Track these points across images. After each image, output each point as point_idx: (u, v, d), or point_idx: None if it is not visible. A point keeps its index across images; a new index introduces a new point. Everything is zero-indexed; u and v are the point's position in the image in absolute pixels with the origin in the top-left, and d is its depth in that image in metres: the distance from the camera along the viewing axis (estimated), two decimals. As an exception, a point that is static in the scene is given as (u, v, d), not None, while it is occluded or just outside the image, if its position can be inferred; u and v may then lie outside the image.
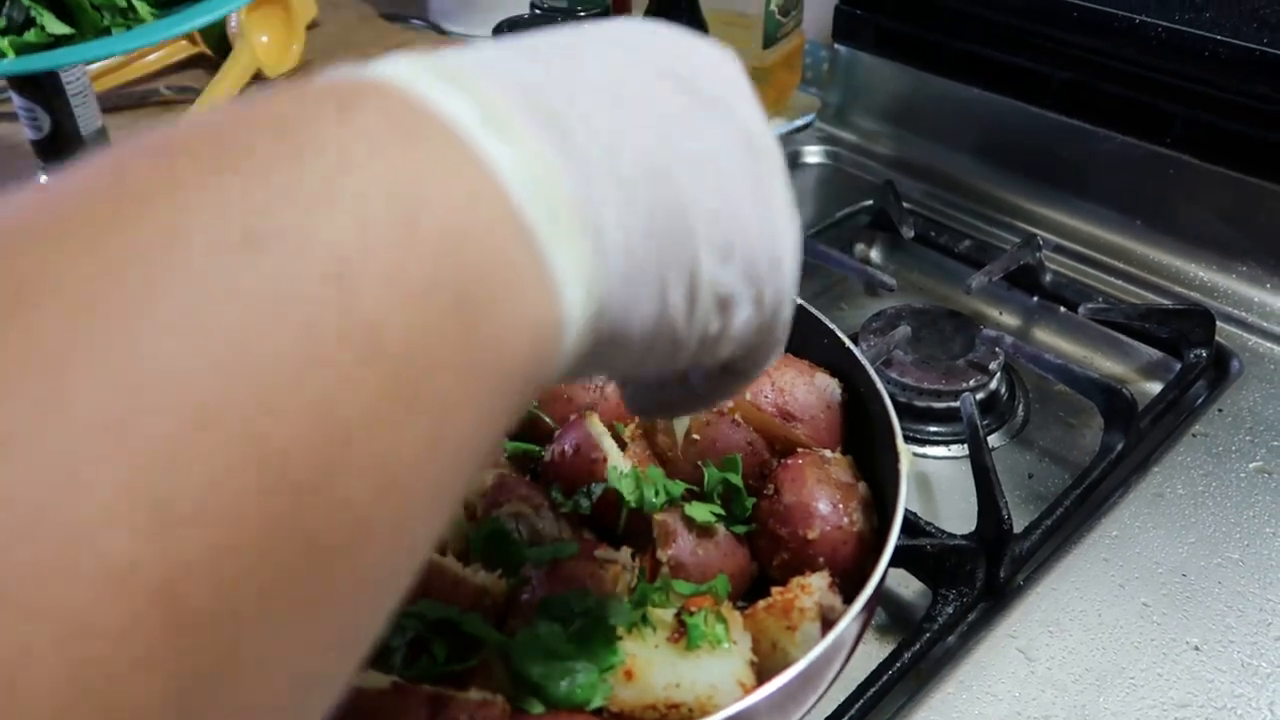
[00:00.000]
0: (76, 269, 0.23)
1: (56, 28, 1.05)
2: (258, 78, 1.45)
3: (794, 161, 1.41)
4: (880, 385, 0.70)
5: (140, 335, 0.22)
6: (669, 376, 0.48)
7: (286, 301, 0.24)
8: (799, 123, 1.47)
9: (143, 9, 1.07)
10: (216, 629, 0.22)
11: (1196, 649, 0.73)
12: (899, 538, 0.75)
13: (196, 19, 1.02)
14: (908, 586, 0.81)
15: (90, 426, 0.21)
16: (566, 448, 0.70)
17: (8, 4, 1.07)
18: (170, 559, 0.21)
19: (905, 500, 0.64)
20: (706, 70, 0.39)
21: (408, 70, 0.30)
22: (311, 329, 0.24)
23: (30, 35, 1.05)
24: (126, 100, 1.41)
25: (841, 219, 1.22)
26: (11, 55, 1.03)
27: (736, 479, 0.69)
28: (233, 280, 0.23)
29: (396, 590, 0.29)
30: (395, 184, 0.27)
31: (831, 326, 0.76)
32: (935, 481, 0.92)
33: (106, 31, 1.07)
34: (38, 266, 0.23)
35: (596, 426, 0.71)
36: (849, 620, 0.55)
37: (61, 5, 1.06)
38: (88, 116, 1.18)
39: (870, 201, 1.23)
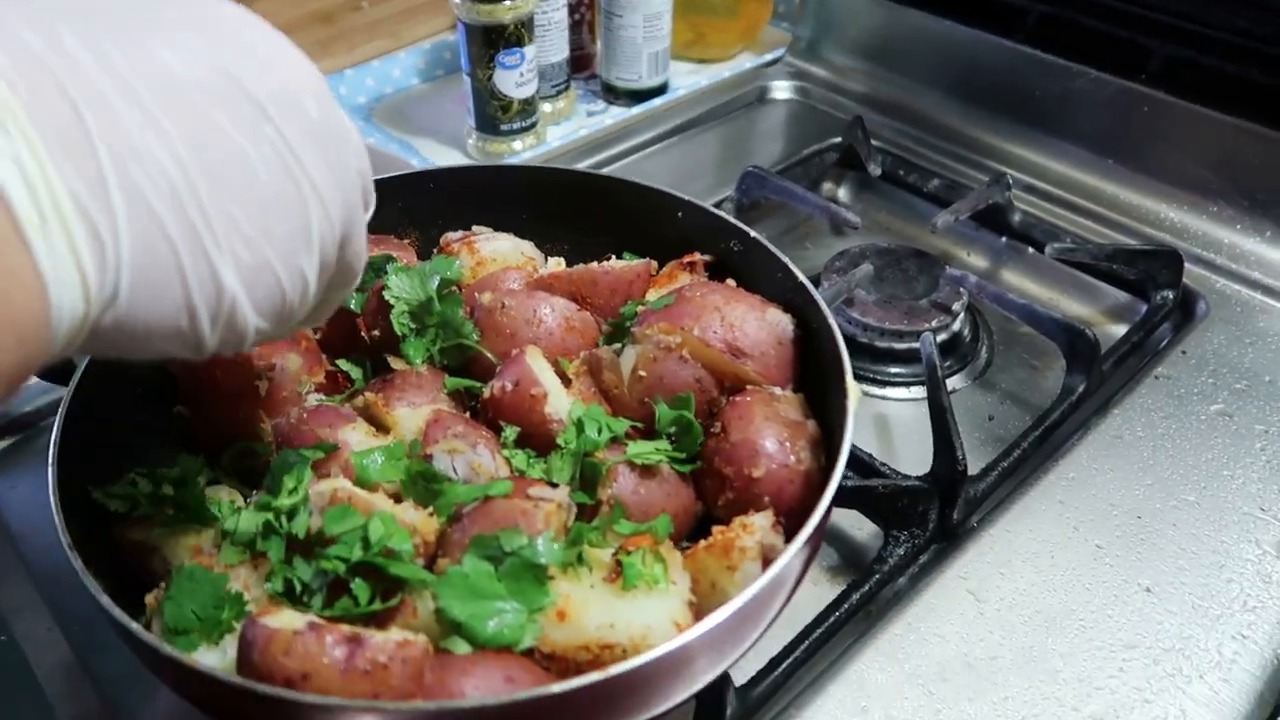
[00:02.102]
0: None
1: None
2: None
3: (762, 97, 1.37)
4: (832, 319, 0.68)
5: None
6: None
7: None
8: (768, 57, 1.42)
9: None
10: None
11: (1148, 591, 0.73)
12: (852, 477, 0.74)
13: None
14: (860, 528, 0.79)
15: None
16: (507, 383, 0.67)
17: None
18: None
19: (857, 437, 0.62)
20: (272, 77, 0.39)
21: None
22: None
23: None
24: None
25: (809, 156, 1.19)
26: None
27: (690, 415, 0.67)
28: None
29: None
30: None
31: (785, 261, 0.74)
32: (894, 424, 0.90)
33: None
34: None
35: (539, 362, 0.68)
36: (788, 557, 0.53)
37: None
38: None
39: (838, 139, 1.20)
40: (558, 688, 0.47)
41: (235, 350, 0.43)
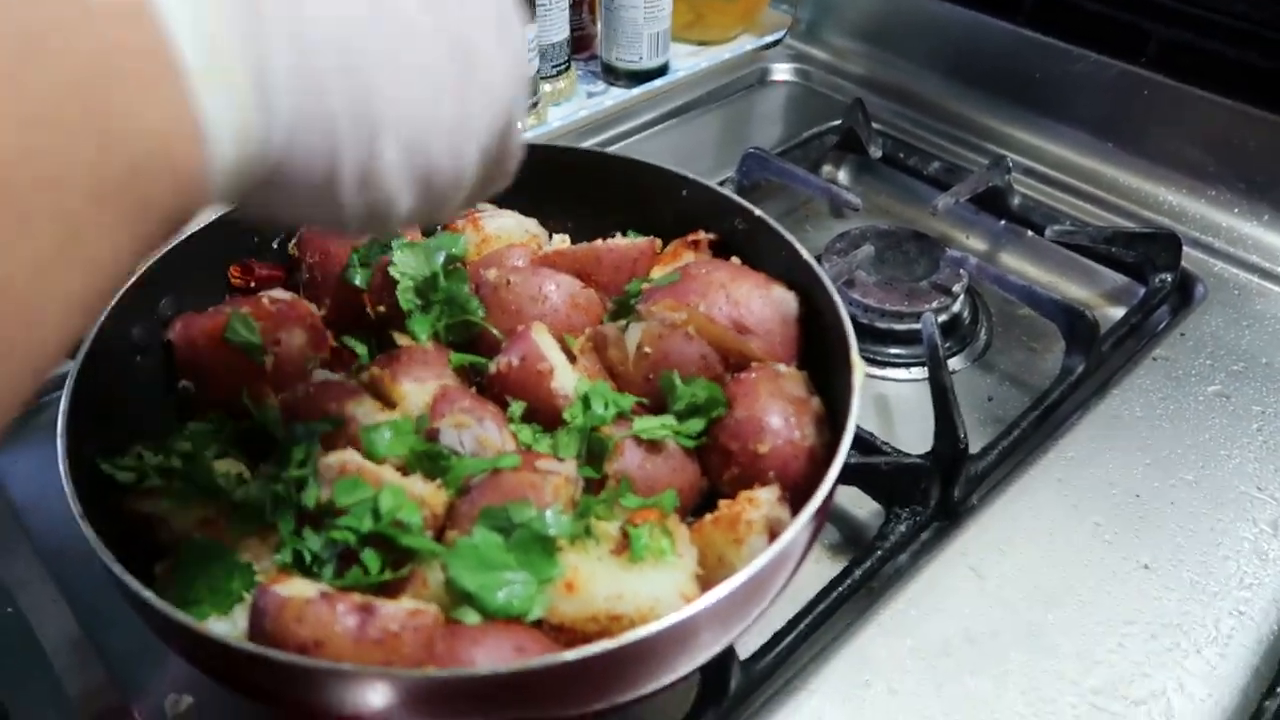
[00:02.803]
0: None
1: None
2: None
3: (762, 79, 1.36)
4: (837, 297, 0.68)
5: None
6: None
7: None
8: (768, 39, 1.42)
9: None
10: None
11: (1146, 568, 0.73)
12: (854, 455, 0.74)
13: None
14: (862, 506, 0.80)
15: None
16: (513, 359, 0.67)
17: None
18: None
19: (859, 416, 0.62)
20: None
21: None
22: None
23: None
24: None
25: (809, 139, 1.19)
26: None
27: (715, 387, 0.67)
28: None
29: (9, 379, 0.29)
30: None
31: (791, 240, 0.74)
32: (894, 404, 0.91)
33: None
34: None
35: (544, 338, 0.68)
36: (795, 531, 0.54)
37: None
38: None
39: (839, 121, 1.20)
40: (568, 655, 0.48)
41: (378, 230, 0.42)
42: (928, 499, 0.76)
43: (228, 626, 0.54)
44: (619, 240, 0.79)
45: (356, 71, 0.35)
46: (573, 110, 1.30)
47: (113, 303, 0.66)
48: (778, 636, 0.67)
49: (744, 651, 0.65)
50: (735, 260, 0.77)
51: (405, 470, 0.62)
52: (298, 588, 0.50)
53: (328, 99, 0.35)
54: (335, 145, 0.36)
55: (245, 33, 0.32)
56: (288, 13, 0.34)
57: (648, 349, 0.70)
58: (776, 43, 1.41)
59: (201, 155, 0.32)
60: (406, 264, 0.73)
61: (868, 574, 0.72)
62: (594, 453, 0.65)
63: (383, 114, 0.37)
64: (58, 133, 0.28)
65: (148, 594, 0.48)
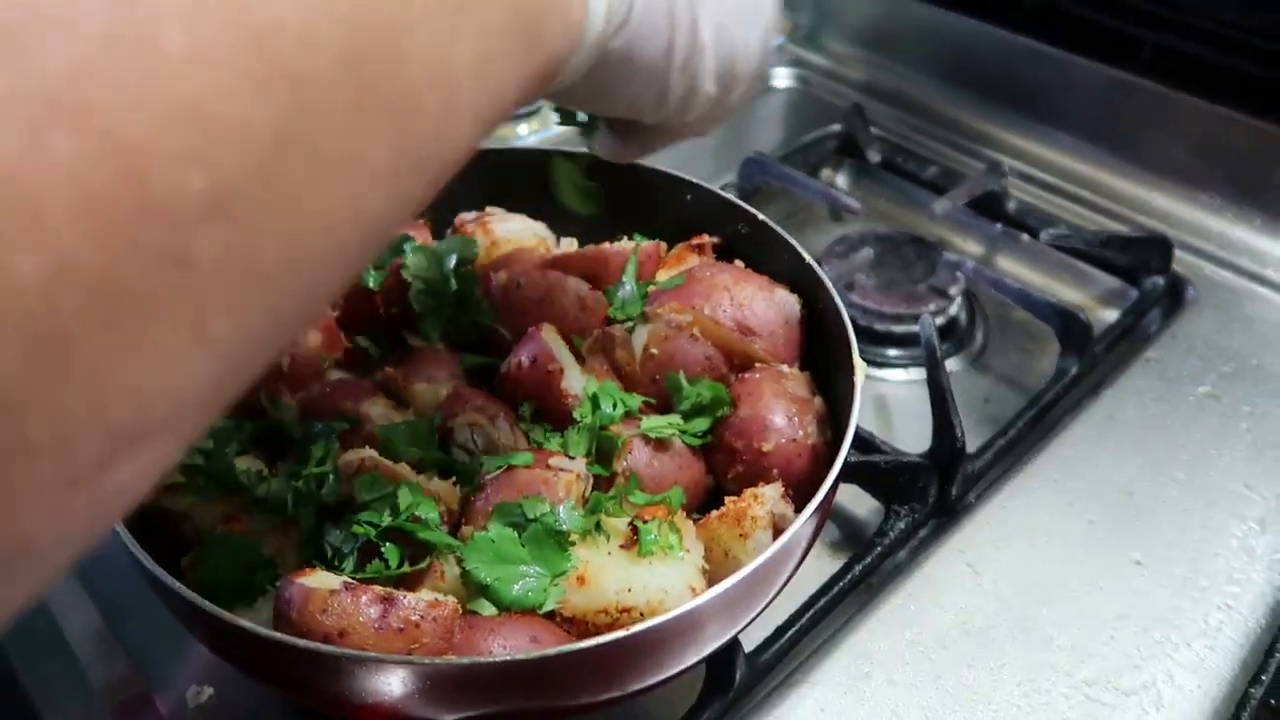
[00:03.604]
0: None
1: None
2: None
3: (763, 85, 1.38)
4: (839, 300, 0.70)
5: None
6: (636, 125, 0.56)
7: None
8: (769, 45, 1.44)
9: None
10: (311, 93, 0.26)
11: (1138, 563, 0.75)
12: (854, 454, 0.76)
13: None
14: (862, 505, 0.82)
15: None
16: (524, 359, 0.69)
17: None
18: (269, 13, 0.25)
19: (859, 414, 0.64)
20: None
21: None
22: None
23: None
24: None
25: (809, 143, 1.21)
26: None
27: (720, 387, 0.69)
28: None
29: (427, 165, 0.32)
30: None
31: (793, 243, 0.76)
32: (893, 404, 0.93)
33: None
34: None
35: (554, 338, 0.70)
36: (799, 525, 0.56)
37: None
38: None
39: (838, 126, 1.22)
40: (581, 645, 0.50)
41: (685, 114, 0.49)
42: (926, 497, 0.78)
43: (253, 618, 0.56)
44: (626, 244, 0.81)
45: None
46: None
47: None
48: (781, 630, 0.69)
49: (749, 644, 0.67)
50: (739, 263, 0.79)
51: (420, 467, 0.64)
52: (322, 579, 0.52)
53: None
54: (671, 25, 0.43)
55: None
56: None
57: (654, 350, 0.72)
58: (777, 49, 1.43)
59: (584, 11, 0.38)
60: (418, 267, 0.75)
61: (868, 569, 0.74)
62: (603, 451, 0.67)
63: (704, 2, 0.44)
64: None
65: (178, 585, 0.50)
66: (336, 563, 0.56)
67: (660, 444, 0.67)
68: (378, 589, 0.51)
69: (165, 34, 0.23)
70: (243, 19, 0.25)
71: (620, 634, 0.50)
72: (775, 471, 0.66)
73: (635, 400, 0.69)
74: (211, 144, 0.24)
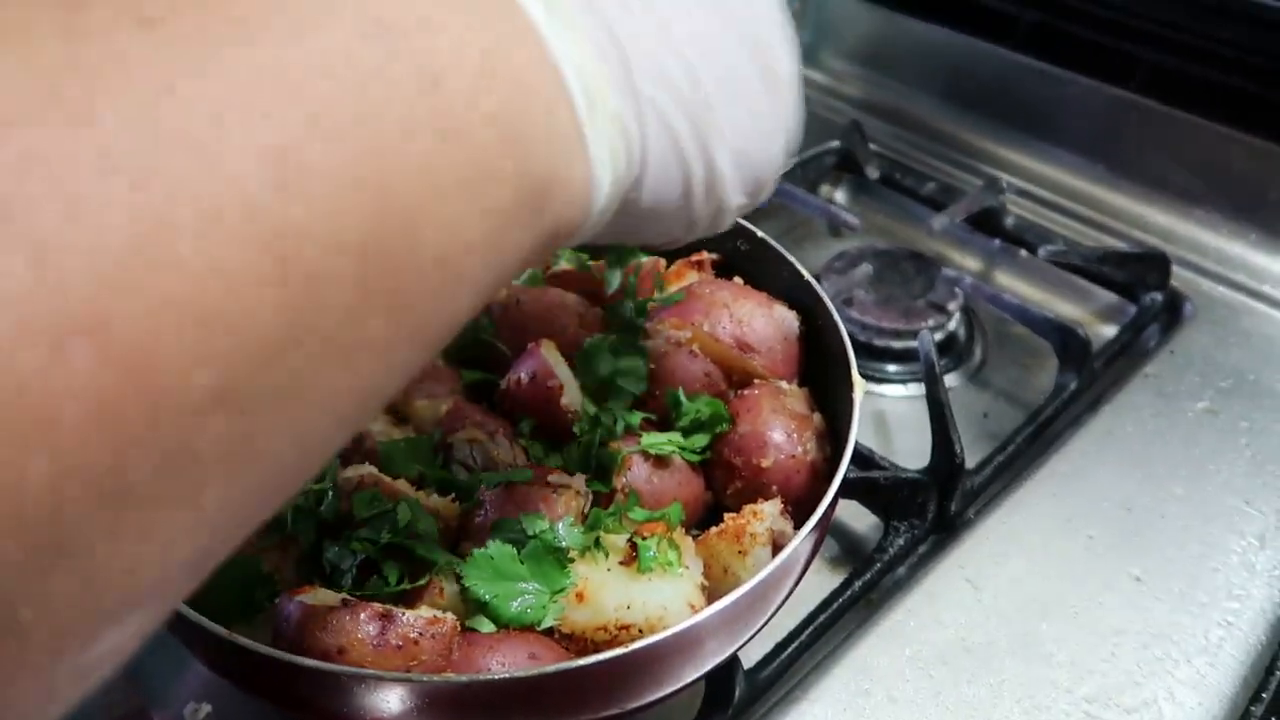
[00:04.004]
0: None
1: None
2: None
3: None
4: (837, 317, 0.70)
5: (286, 61, 0.27)
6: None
7: (388, 80, 0.29)
8: (768, 62, 1.45)
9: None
10: (323, 288, 0.27)
11: (1137, 579, 0.75)
12: (853, 470, 0.76)
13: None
14: (861, 520, 0.82)
15: (245, 88, 0.26)
16: (522, 376, 0.69)
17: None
18: (286, 216, 0.26)
19: (858, 431, 0.64)
20: None
21: None
22: (409, 112, 0.30)
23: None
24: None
25: (807, 159, 1.21)
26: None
27: (719, 404, 0.69)
28: (357, 55, 0.29)
29: (426, 335, 0.33)
30: (485, 38, 0.33)
31: (792, 260, 0.76)
32: (891, 420, 0.93)
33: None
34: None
35: (553, 354, 0.70)
36: (798, 541, 0.56)
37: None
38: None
39: (837, 143, 1.22)
40: (581, 662, 0.50)
41: (717, 230, 0.48)
42: (925, 513, 0.78)
43: (251, 635, 0.56)
44: (625, 260, 0.81)
45: (698, 105, 0.41)
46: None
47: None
48: (780, 646, 0.69)
49: (748, 661, 0.67)
50: (738, 280, 0.79)
51: (420, 483, 0.64)
52: (321, 596, 0.52)
53: (675, 123, 0.41)
54: (685, 166, 0.42)
55: (613, 83, 0.38)
56: (641, 64, 0.39)
57: (653, 366, 0.72)
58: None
59: (588, 182, 0.38)
60: (419, 283, 0.75)
61: (867, 585, 0.74)
62: (602, 467, 0.67)
63: (717, 127, 0.42)
64: (498, 143, 0.33)
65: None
66: (335, 580, 0.56)
67: (660, 460, 0.68)
68: (377, 606, 0.51)
69: (184, 245, 0.24)
70: (261, 223, 0.26)
71: (619, 651, 0.50)
72: (774, 488, 0.66)
73: (635, 416, 0.69)
74: (222, 342, 0.25)
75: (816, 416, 0.70)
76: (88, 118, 0.24)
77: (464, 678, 0.48)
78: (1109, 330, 1.01)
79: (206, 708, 0.65)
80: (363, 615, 0.50)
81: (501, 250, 0.34)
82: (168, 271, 0.24)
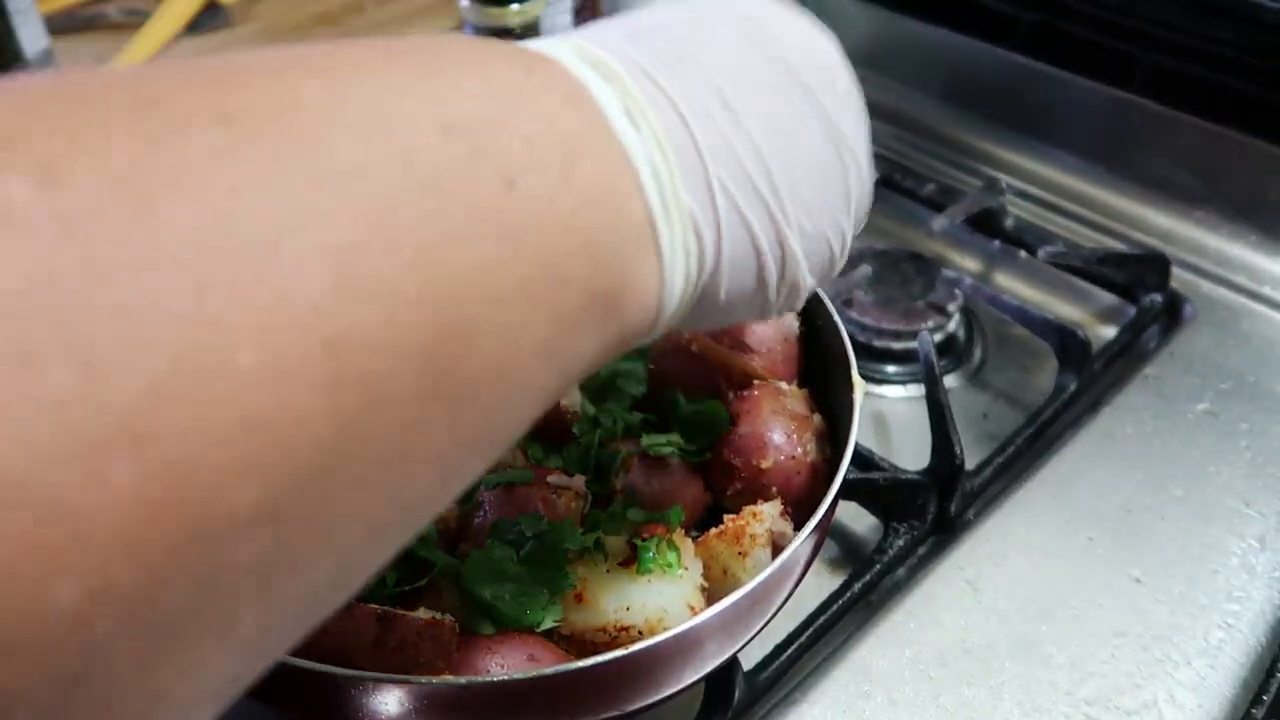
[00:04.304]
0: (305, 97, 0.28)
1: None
2: (209, 4, 1.41)
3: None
4: (837, 317, 0.70)
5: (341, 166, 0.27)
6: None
7: (461, 182, 0.29)
8: (767, 63, 1.45)
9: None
10: (377, 395, 0.26)
11: (1137, 581, 0.75)
12: (852, 471, 0.76)
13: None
14: (860, 521, 0.82)
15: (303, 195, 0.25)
16: (522, 376, 0.69)
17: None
18: (346, 321, 0.25)
19: (859, 432, 0.64)
20: (808, 58, 0.42)
21: (565, 51, 0.37)
22: (480, 215, 0.29)
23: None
24: (73, 23, 1.36)
25: (807, 160, 1.21)
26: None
27: (719, 405, 0.69)
28: (428, 157, 0.28)
29: (481, 445, 0.32)
30: (561, 139, 0.33)
31: (791, 261, 0.76)
32: (891, 421, 0.93)
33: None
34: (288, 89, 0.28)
35: (552, 356, 0.70)
36: (798, 543, 0.56)
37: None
38: (32, 37, 1.14)
39: (836, 143, 1.22)
40: (580, 663, 0.49)
41: (793, 309, 0.47)
42: (925, 514, 0.78)
43: (248, 636, 0.56)
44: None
45: (768, 193, 0.40)
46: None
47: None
48: (780, 648, 0.69)
49: (747, 663, 0.67)
50: (737, 281, 0.79)
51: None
52: (318, 598, 0.51)
53: (747, 221, 0.39)
54: (754, 256, 0.41)
55: (686, 180, 0.37)
56: (713, 159, 0.38)
57: (652, 367, 0.72)
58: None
59: (660, 285, 0.37)
60: (418, 283, 0.75)
61: (867, 587, 0.74)
62: (602, 468, 0.66)
63: (789, 221, 0.41)
64: (571, 249, 0.32)
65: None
66: (334, 581, 0.56)
67: (659, 461, 0.67)
68: (375, 608, 0.51)
69: (242, 352, 0.23)
70: (319, 328, 0.24)
71: (619, 653, 0.50)
72: (774, 489, 0.66)
73: (636, 417, 0.69)
74: (270, 454, 0.23)
75: (816, 417, 0.70)
76: (149, 216, 0.23)
77: (463, 680, 0.48)
78: (1108, 331, 1.01)
79: (204, 709, 0.65)
80: (362, 618, 0.50)
81: (566, 356, 0.33)
82: (222, 380, 0.22)
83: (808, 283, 0.45)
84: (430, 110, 0.29)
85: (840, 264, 0.47)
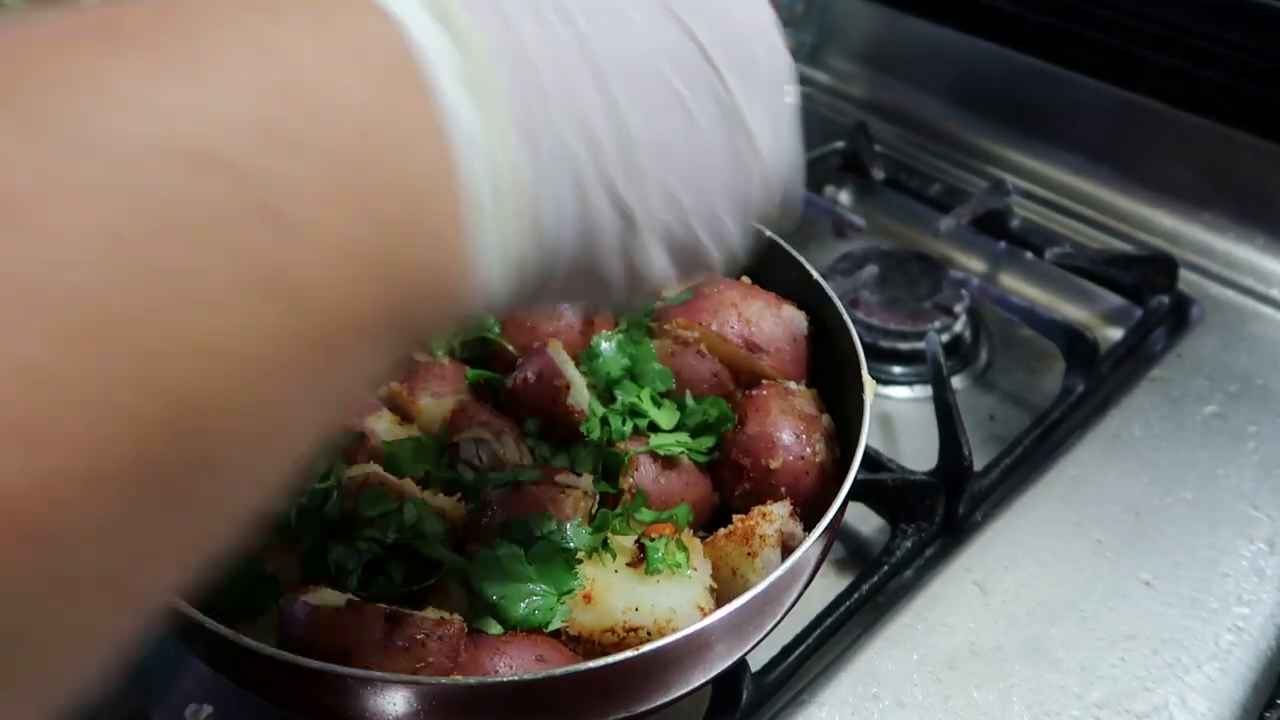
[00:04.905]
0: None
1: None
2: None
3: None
4: (847, 318, 0.70)
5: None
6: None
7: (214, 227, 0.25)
8: (772, 63, 1.44)
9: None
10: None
11: (1147, 584, 0.75)
12: (860, 472, 0.76)
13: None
14: (868, 523, 0.81)
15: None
16: (529, 375, 0.69)
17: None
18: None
19: (868, 432, 0.64)
20: (728, 37, 0.36)
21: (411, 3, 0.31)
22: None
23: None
24: None
25: (813, 161, 1.20)
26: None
27: (724, 404, 0.68)
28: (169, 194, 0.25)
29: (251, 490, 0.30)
30: (356, 131, 0.28)
31: (800, 260, 0.76)
32: (898, 422, 0.93)
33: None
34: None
35: (560, 354, 0.70)
36: (808, 545, 0.55)
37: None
38: None
39: (842, 144, 1.22)
40: (589, 665, 0.49)
41: (644, 296, 0.41)
42: (933, 515, 0.77)
43: (254, 635, 0.55)
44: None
45: (632, 189, 0.35)
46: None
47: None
48: (787, 650, 0.69)
49: (755, 664, 0.66)
50: (746, 280, 0.78)
51: (426, 483, 0.63)
52: (326, 597, 0.51)
53: (602, 215, 0.35)
54: (605, 253, 0.36)
55: (530, 168, 0.32)
56: (568, 145, 0.33)
57: (660, 366, 0.71)
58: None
59: (470, 288, 0.32)
60: (424, 281, 0.74)
61: (875, 589, 0.74)
62: (610, 468, 0.66)
63: (654, 220, 0.36)
64: (383, 257, 0.29)
65: (181, 603, 0.49)
66: (341, 580, 0.56)
67: (667, 461, 0.67)
68: (383, 607, 0.51)
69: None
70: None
71: (628, 654, 0.50)
72: (783, 489, 0.65)
73: (643, 417, 0.68)
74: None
75: (825, 418, 0.69)
76: None
77: (471, 680, 0.48)
78: (1115, 333, 1.00)
79: (208, 709, 0.65)
80: (369, 617, 0.49)
81: (346, 394, 0.30)
82: None
83: (666, 277, 0.39)
84: (168, 128, 0.24)
85: (723, 263, 0.41)
